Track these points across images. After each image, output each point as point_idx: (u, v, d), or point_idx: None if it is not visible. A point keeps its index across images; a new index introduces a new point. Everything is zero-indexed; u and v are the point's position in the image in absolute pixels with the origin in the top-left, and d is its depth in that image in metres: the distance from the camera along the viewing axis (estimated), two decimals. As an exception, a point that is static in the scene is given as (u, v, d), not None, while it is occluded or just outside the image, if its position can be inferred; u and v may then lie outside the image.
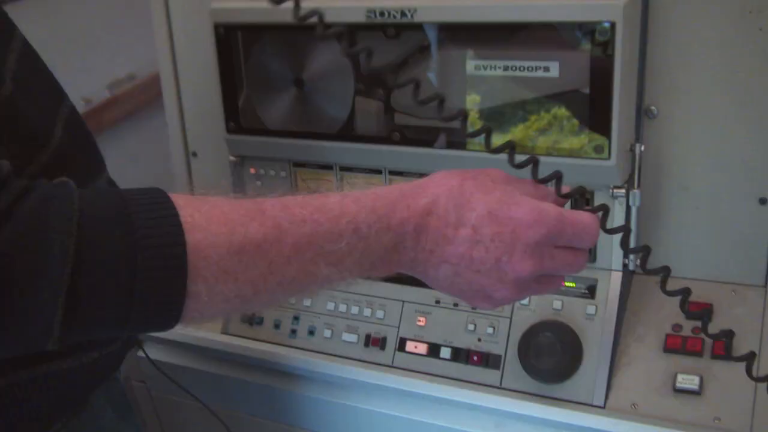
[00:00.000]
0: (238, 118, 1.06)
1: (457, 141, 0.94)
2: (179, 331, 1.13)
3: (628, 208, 0.90)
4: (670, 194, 0.94)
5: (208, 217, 0.55)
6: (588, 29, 0.82)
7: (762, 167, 0.89)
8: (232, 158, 1.12)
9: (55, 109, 0.74)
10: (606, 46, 0.82)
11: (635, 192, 0.89)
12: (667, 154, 0.93)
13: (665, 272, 0.68)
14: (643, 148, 0.88)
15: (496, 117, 0.91)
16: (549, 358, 0.91)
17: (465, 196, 0.62)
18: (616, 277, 0.93)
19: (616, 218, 0.91)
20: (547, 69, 0.87)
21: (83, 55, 1.72)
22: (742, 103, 0.88)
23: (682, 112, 0.91)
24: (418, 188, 0.64)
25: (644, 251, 0.68)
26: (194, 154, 1.23)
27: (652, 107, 0.91)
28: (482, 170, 0.66)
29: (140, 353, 1.07)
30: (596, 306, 0.93)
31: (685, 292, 0.68)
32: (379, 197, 0.62)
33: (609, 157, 0.85)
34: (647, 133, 0.92)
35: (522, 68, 0.88)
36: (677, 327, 0.93)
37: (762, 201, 0.90)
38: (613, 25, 0.81)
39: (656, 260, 0.96)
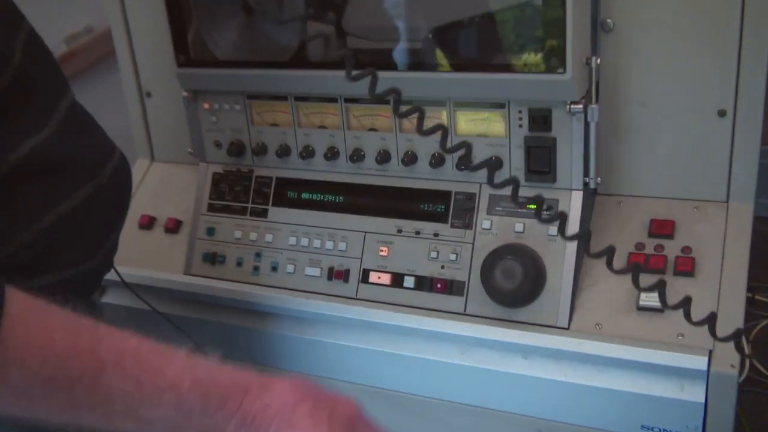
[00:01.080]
0: (188, 50, 1.02)
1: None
2: (140, 273, 1.11)
3: (587, 125, 0.88)
4: (629, 111, 0.92)
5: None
6: (539, -63, 0.80)
7: (719, 78, 0.87)
8: (184, 94, 1.09)
9: (14, 32, 0.71)
10: (556, -48, 0.79)
11: (593, 107, 0.87)
12: (624, 70, 0.91)
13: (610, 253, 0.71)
14: (599, 61, 0.86)
15: (450, 33, 0.89)
16: (511, 282, 0.90)
17: (286, 418, 0.61)
18: (577, 197, 0.91)
19: (575, 135, 0.89)
20: (498, -19, 0.84)
21: (37, 9, 1.67)
22: (698, 14, 0.85)
23: (637, 25, 0.88)
24: (261, 389, 0.62)
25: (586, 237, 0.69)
26: (148, 94, 1.20)
27: (608, 20, 0.89)
28: (337, 400, 0.63)
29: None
30: (557, 227, 0.91)
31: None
32: (216, 382, 0.61)
33: (564, 71, 0.83)
34: (604, 48, 0.90)
35: (473, -18, 0.85)
36: (640, 245, 0.92)
37: (721, 113, 0.88)
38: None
39: (617, 179, 0.95)
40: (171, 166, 1.23)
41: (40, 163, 0.68)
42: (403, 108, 0.76)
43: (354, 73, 0.75)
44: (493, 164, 0.78)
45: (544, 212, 0.92)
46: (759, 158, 0.89)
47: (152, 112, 1.21)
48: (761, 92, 0.86)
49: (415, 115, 0.76)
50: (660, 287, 0.72)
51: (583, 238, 0.82)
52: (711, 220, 0.91)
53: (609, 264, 0.74)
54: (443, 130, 0.76)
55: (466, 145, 0.79)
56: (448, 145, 0.93)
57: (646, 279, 0.89)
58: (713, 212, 0.92)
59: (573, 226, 0.91)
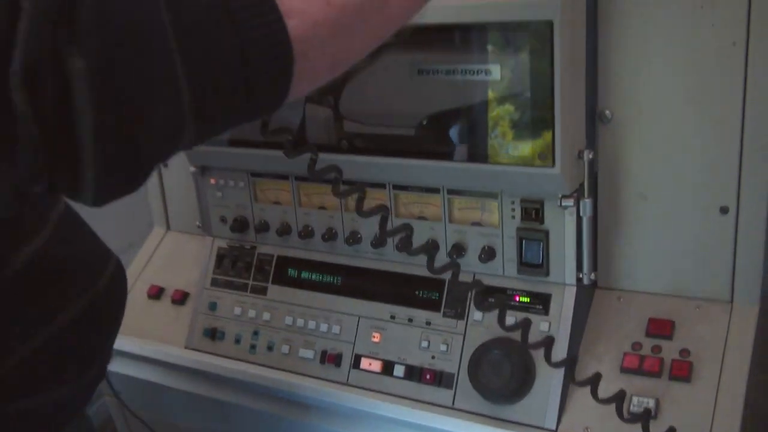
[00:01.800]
0: (193, 128, 1.03)
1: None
2: (142, 345, 1.11)
3: (579, 219, 0.85)
4: (629, 203, 0.89)
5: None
6: (526, 29, 0.78)
7: (722, 174, 0.83)
8: (192, 169, 1.10)
9: None
10: (544, 45, 0.77)
11: (586, 201, 0.84)
12: (623, 161, 0.88)
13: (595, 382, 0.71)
14: (592, 154, 0.83)
15: (442, 122, 0.87)
16: (498, 378, 0.87)
17: None
18: (570, 293, 0.88)
19: (567, 229, 0.86)
20: (488, 72, 0.82)
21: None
22: (699, 106, 0.82)
23: (637, 116, 0.85)
24: None
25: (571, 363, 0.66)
26: (165, 165, 1.21)
27: (606, 111, 0.86)
28: None
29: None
30: (549, 323, 0.88)
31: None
32: None
33: (553, 165, 0.81)
34: (602, 139, 0.87)
35: (465, 71, 0.84)
36: (637, 345, 0.88)
37: (723, 210, 0.84)
38: (550, 23, 0.77)
39: (617, 273, 0.91)
40: (185, 236, 1.24)
41: (34, 274, 0.64)
42: (344, 187, 0.75)
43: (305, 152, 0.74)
44: (431, 249, 0.76)
45: (535, 307, 0.89)
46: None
47: (169, 183, 1.23)
48: (764, 189, 0.82)
49: (356, 195, 0.76)
50: (645, 417, 0.70)
51: (569, 364, 0.79)
52: (713, 322, 0.86)
53: (594, 393, 0.72)
54: (383, 212, 0.75)
55: (407, 228, 0.78)
56: (444, 233, 0.92)
57: (640, 382, 0.86)
58: (716, 313, 0.87)
59: (565, 323, 0.87)
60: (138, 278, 1.21)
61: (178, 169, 1.20)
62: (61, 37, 0.43)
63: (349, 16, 0.54)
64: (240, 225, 1.08)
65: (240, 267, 1.10)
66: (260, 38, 0.49)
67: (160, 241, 1.26)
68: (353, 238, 1.00)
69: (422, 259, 0.94)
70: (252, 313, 1.07)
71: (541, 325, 0.88)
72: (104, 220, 0.83)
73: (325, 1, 0.53)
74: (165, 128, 0.48)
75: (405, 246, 0.77)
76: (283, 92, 0.53)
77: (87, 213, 0.64)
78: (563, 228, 0.86)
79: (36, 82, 0.43)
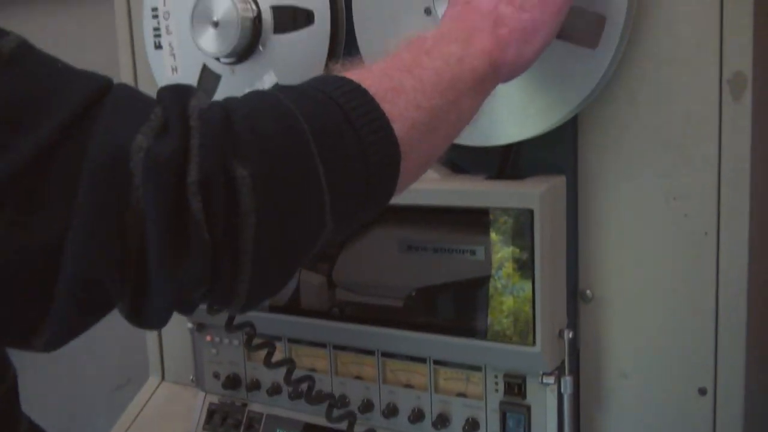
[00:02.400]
0: (192, 287, 1.07)
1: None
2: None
3: (560, 396, 0.87)
4: (610, 381, 0.91)
5: (397, 103, 0.59)
6: (509, 215, 0.83)
7: (700, 356, 0.86)
8: (189, 325, 1.13)
9: None
10: (526, 231, 0.82)
11: (566, 379, 0.87)
12: (605, 340, 0.90)
13: None
14: (572, 334, 0.86)
15: (429, 296, 0.91)
16: None
17: None
18: (552, 468, 0.89)
19: (548, 404, 0.88)
20: (473, 252, 0.87)
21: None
22: (674, 292, 0.86)
23: (617, 296, 0.89)
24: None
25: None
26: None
27: (588, 291, 0.90)
28: None
29: None
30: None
31: None
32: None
33: (534, 344, 0.84)
34: (583, 318, 0.91)
35: (451, 250, 0.88)
36: None
37: (702, 391, 0.86)
38: (530, 212, 0.81)
39: (597, 450, 0.92)
40: (179, 387, 1.26)
41: None
42: (256, 341, 0.86)
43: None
44: (329, 397, 0.81)
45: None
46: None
47: (167, 334, 1.25)
48: (741, 372, 0.84)
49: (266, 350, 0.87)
50: None
51: None
52: (694, 505, 0.87)
53: None
54: (289, 365, 0.84)
55: (309, 378, 0.87)
56: (429, 402, 0.94)
57: None
58: (697, 496, 0.87)
59: (547, 499, 0.88)
60: (129, 429, 1.22)
61: (176, 323, 1.22)
62: (227, 150, 0.50)
63: (434, 117, 0.61)
64: (232, 382, 1.10)
65: (229, 424, 1.11)
66: (377, 142, 0.56)
67: (154, 390, 1.28)
68: (342, 402, 1.01)
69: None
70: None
71: (523, 501, 0.89)
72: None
73: (415, 105, 0.60)
74: (310, 229, 0.55)
75: (307, 396, 0.87)
76: (392, 189, 0.60)
77: (84, 340, 0.65)
78: (545, 404, 0.88)
79: (210, 191, 0.49)
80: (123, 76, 1.19)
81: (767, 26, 0.80)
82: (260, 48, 0.99)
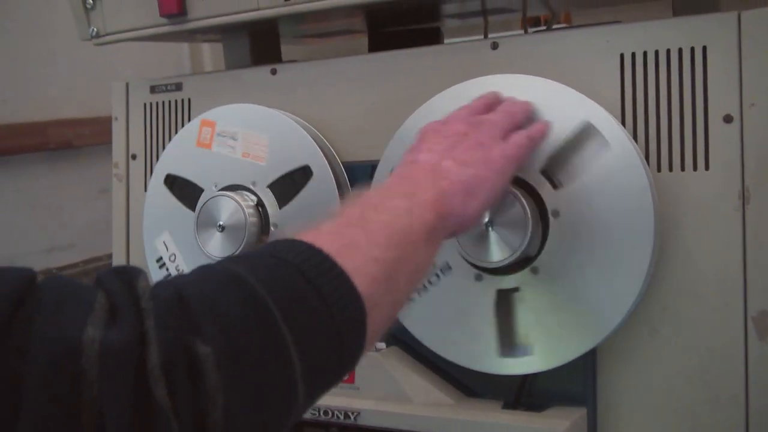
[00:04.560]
0: None
1: None
2: None
3: None
4: None
5: (353, 258, 0.57)
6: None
7: None
8: None
9: None
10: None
11: None
12: None
13: None
14: None
15: None
16: None
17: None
18: None
19: None
20: None
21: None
22: None
23: None
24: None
25: None
26: None
27: None
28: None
29: None
30: None
31: None
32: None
33: None
34: None
35: None
36: None
37: None
38: None
39: None
40: None
41: None
42: None
43: None
44: None
45: None
46: None
47: None
48: None
49: None
50: None
51: None
52: None
53: None
54: None
55: None
56: None
57: None
58: None
59: None
60: None
61: None
62: (185, 328, 0.47)
63: (392, 270, 0.59)
64: None
65: None
66: (340, 298, 0.54)
67: None
68: None
69: None
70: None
71: None
72: None
73: (372, 259, 0.58)
74: (282, 400, 0.51)
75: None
76: (361, 346, 0.56)
77: None
78: None
79: (173, 374, 0.45)
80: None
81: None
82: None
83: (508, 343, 0.84)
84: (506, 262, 0.79)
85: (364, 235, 0.59)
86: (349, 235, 0.59)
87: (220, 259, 0.95)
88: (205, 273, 0.53)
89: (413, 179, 0.70)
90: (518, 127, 0.79)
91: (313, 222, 0.60)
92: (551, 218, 0.81)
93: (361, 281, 0.55)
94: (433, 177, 0.70)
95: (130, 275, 0.51)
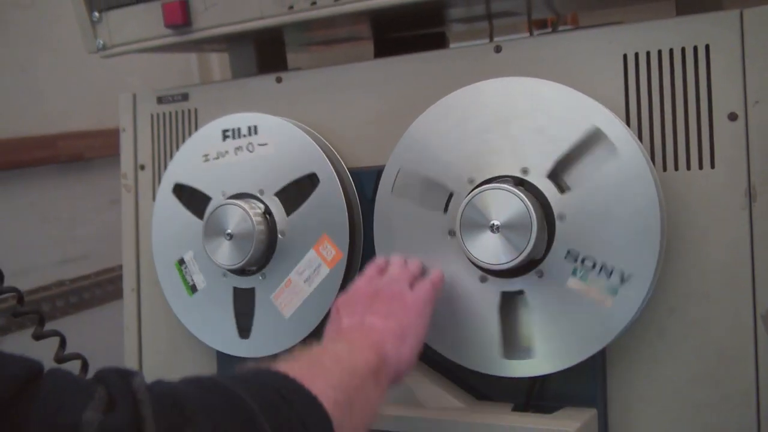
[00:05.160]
0: None
1: None
2: None
3: None
4: None
5: (316, 383, 0.62)
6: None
7: None
8: None
9: None
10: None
11: None
12: None
13: None
14: None
15: None
16: None
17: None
18: None
19: None
20: None
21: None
22: None
23: None
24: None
25: None
26: None
27: None
28: None
29: None
30: None
31: None
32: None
33: None
34: None
35: None
36: None
37: None
38: (564, 450, 0.77)
39: None
40: None
41: None
42: None
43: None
44: None
45: None
46: None
47: None
48: None
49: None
50: None
51: None
52: None
53: None
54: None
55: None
56: None
57: None
58: None
59: None
60: None
61: None
62: (178, 417, 0.52)
63: (348, 396, 0.64)
64: None
65: None
66: (313, 413, 0.59)
67: None
68: None
69: None
70: None
71: None
72: None
73: (331, 385, 0.63)
74: None
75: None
76: None
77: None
78: None
79: None
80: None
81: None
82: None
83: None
84: (511, 264, 0.79)
85: (320, 369, 0.66)
86: (307, 368, 0.65)
87: (227, 267, 0.96)
88: (191, 377, 0.58)
89: (346, 338, 0.76)
90: (417, 278, 0.84)
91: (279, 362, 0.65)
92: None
93: (325, 401, 0.61)
94: (363, 333, 0.75)
95: (127, 372, 0.55)
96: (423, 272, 0.86)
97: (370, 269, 0.86)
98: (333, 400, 0.61)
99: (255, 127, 1.00)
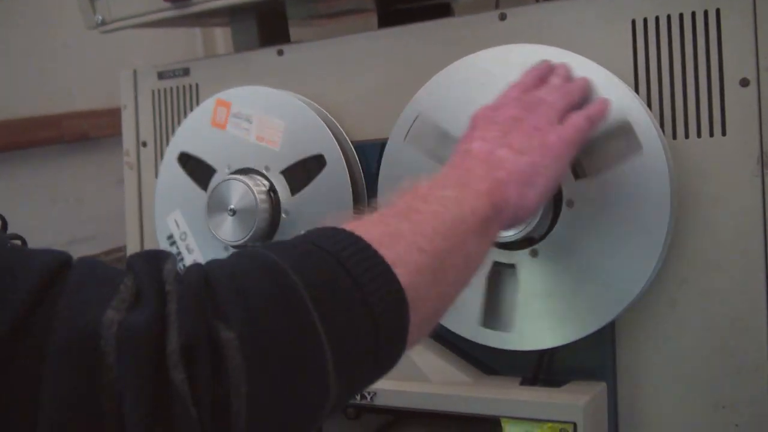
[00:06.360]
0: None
1: None
2: None
3: None
4: None
5: (395, 248, 0.54)
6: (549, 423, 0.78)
7: None
8: None
9: None
10: (568, 442, 0.77)
11: None
12: None
13: None
14: None
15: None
16: None
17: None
18: None
19: None
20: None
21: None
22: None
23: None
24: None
25: None
26: None
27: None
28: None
29: None
30: None
31: None
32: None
33: None
34: None
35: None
36: None
37: None
38: (573, 425, 0.76)
39: None
40: None
41: None
42: None
43: None
44: None
45: None
46: None
47: None
48: None
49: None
50: None
51: None
52: None
53: None
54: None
55: None
56: None
57: None
58: None
59: None
60: None
61: None
62: (208, 312, 0.45)
63: (439, 261, 0.56)
64: None
65: None
66: (379, 288, 0.51)
67: None
68: None
69: None
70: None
71: None
72: None
73: (417, 248, 0.55)
74: (312, 394, 0.48)
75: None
76: (403, 342, 0.53)
77: None
78: None
79: (193, 359, 0.43)
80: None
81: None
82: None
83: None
84: (508, 238, 0.78)
85: (408, 224, 0.57)
86: (393, 224, 0.56)
87: (229, 243, 0.95)
88: (238, 257, 0.51)
89: (466, 169, 0.66)
90: (575, 106, 0.75)
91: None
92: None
93: (403, 271, 0.52)
94: (488, 167, 0.66)
95: (158, 258, 0.49)
96: (585, 97, 0.77)
97: (528, 76, 0.77)
98: (415, 267, 0.54)
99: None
